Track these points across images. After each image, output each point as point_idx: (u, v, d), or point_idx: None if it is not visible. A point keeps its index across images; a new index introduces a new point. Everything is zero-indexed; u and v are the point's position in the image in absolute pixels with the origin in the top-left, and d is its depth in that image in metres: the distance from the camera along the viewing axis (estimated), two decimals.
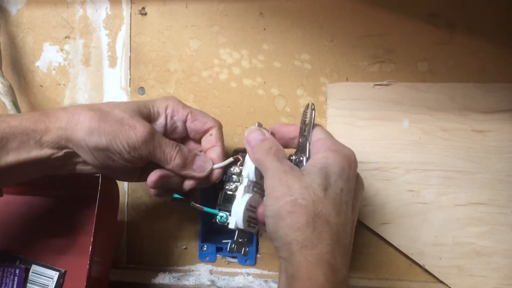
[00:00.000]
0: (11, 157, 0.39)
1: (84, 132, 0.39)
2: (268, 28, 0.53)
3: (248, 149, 0.40)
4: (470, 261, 0.50)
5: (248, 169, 0.41)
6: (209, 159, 0.43)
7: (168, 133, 0.45)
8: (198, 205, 0.43)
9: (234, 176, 0.42)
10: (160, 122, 0.44)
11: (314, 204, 0.34)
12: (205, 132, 0.45)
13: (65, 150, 0.40)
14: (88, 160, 0.41)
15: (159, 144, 0.41)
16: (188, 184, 0.43)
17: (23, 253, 0.51)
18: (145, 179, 0.43)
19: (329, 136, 0.40)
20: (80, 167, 0.43)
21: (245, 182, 0.41)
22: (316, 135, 0.40)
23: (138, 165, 0.42)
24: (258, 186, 0.42)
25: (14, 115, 0.40)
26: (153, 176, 0.42)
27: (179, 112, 0.44)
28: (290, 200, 0.35)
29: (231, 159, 0.43)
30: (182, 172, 0.42)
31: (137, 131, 0.39)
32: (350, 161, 0.37)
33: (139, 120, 0.40)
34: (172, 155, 0.41)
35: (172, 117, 0.44)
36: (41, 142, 0.39)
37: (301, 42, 0.52)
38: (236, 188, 0.41)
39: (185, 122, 0.45)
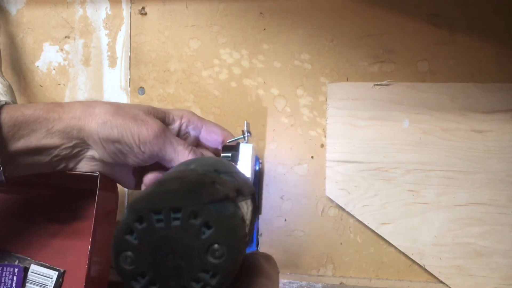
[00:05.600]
0: (21, 143, 0.39)
1: (98, 123, 0.40)
2: (268, 28, 0.53)
3: None
4: (470, 261, 0.49)
5: None
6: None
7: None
8: None
9: None
10: (173, 127, 0.44)
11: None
12: (222, 143, 0.46)
13: (75, 141, 0.41)
14: (98, 153, 0.41)
15: (170, 142, 0.41)
16: None
17: (22, 253, 0.50)
18: (140, 188, 0.44)
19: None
20: (85, 163, 0.43)
21: None
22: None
23: (147, 162, 0.42)
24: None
25: (29, 105, 0.41)
26: (151, 176, 0.43)
27: (193, 123, 0.45)
28: None
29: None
30: None
31: (149, 126, 0.40)
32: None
33: (152, 118, 0.42)
34: (184, 153, 0.41)
35: (186, 126, 0.45)
36: (52, 131, 0.40)
37: (301, 42, 0.52)
38: None
39: (198, 133, 0.46)
